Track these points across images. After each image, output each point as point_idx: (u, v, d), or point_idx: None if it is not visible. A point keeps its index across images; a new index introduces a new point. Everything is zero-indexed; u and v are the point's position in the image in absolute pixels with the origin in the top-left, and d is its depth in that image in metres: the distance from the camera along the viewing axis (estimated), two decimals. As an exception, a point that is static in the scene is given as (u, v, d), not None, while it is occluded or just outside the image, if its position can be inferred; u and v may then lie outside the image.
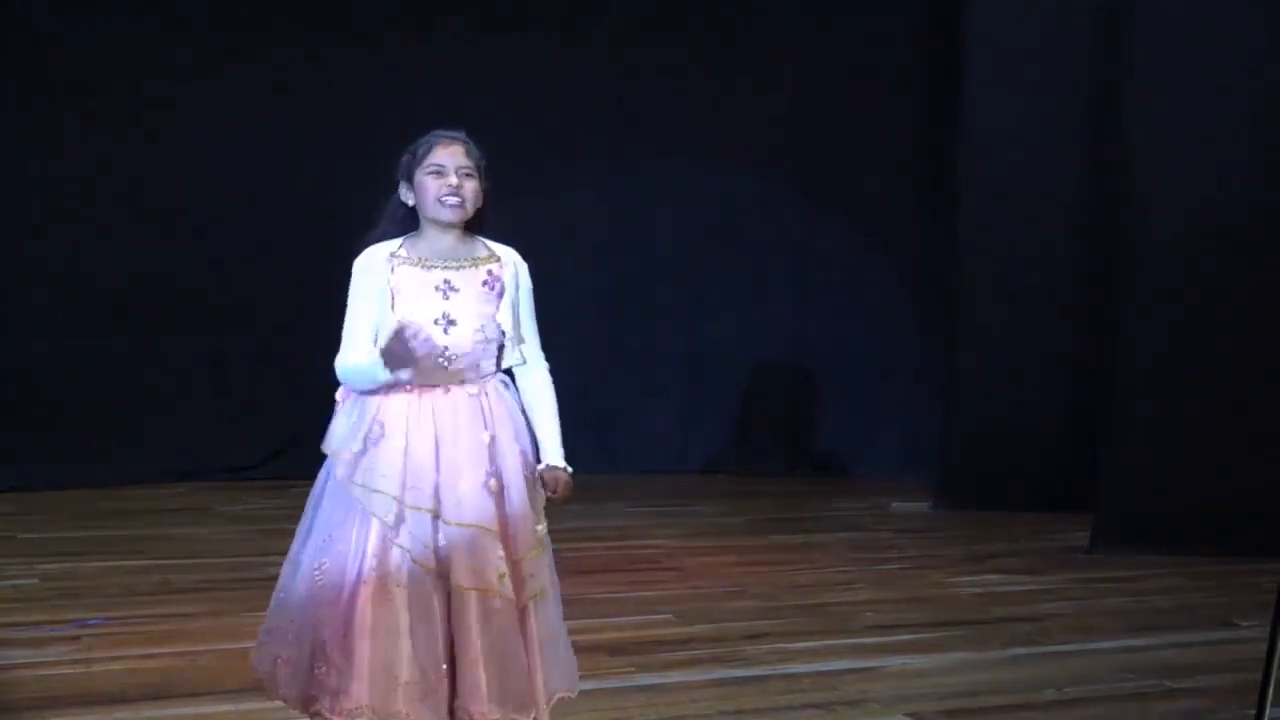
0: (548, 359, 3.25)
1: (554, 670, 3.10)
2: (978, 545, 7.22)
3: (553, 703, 3.12)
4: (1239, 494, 6.60)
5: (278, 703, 3.18)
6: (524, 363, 3.19)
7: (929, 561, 6.80)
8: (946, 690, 4.50)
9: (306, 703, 3.05)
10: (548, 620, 3.10)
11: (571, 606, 3.19)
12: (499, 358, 3.16)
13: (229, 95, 8.45)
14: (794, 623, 5.47)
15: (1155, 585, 6.23)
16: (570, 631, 3.23)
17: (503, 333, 3.14)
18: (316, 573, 3.02)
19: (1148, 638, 5.21)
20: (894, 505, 8.45)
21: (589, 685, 4.36)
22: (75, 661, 4.57)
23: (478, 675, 2.96)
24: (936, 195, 8.64)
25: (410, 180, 3.13)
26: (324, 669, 2.99)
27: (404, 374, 3.00)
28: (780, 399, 9.53)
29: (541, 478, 3.13)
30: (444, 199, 3.07)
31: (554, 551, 3.17)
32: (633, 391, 9.38)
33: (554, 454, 3.14)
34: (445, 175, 3.07)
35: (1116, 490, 6.91)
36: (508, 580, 2.99)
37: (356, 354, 3.06)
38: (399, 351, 2.94)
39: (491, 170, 3.19)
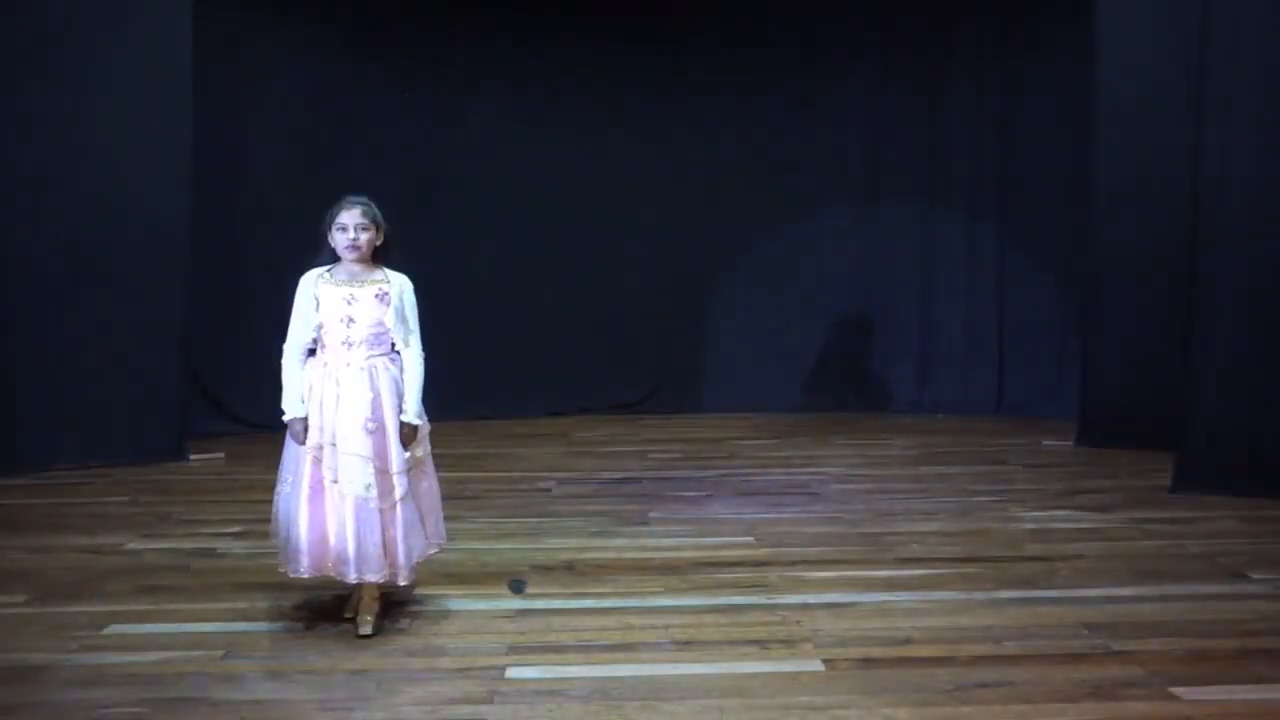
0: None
1: (413, 544, 4.67)
2: (1080, 481, 7.36)
3: (416, 560, 4.71)
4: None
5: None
6: (407, 347, 4.69)
7: (1025, 495, 7.03)
8: (892, 637, 4.53)
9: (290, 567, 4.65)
10: (407, 515, 4.64)
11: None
12: (392, 345, 4.68)
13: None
14: (839, 551, 5.74)
15: (1201, 529, 6.14)
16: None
17: (388, 328, 4.65)
18: (286, 489, 4.65)
19: (1142, 587, 5.13)
20: (1044, 442, 8.71)
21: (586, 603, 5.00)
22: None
23: (345, 546, 4.56)
24: (1071, 185, 9.63)
25: (329, 231, 4.66)
26: (287, 546, 4.62)
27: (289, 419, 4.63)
28: (987, 356, 10.82)
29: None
30: (346, 248, 4.64)
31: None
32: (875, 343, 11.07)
33: (407, 413, 4.63)
34: (347, 231, 4.62)
35: (1197, 431, 6.88)
36: (374, 488, 4.55)
37: (292, 358, 4.67)
38: (296, 430, 4.58)
39: (386, 219, 4.73)
